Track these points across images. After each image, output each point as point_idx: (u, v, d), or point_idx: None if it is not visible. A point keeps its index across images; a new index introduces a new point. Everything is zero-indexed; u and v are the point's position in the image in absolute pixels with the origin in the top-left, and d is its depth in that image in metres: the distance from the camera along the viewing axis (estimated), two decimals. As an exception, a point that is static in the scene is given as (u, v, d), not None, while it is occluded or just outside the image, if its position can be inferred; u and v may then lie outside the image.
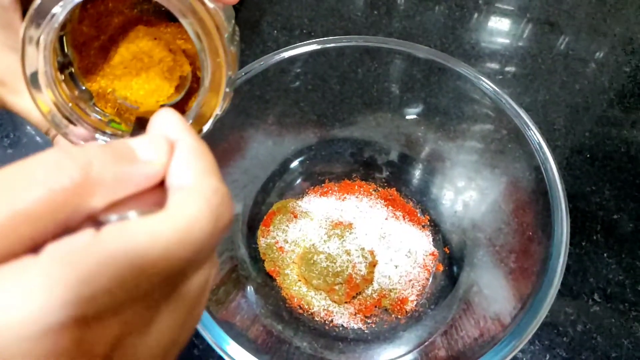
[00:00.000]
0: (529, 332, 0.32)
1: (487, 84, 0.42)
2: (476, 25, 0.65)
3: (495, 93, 0.41)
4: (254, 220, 0.48)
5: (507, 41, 0.63)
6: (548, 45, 0.63)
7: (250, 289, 0.44)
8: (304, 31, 0.64)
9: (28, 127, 0.56)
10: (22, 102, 0.27)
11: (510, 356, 0.32)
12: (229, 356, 0.32)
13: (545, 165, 0.37)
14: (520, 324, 0.32)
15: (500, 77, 0.60)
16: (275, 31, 0.64)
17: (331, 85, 0.50)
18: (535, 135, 0.38)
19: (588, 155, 0.54)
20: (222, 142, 0.44)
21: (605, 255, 0.48)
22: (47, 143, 0.54)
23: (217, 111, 0.27)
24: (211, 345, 0.32)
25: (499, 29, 0.65)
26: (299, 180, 0.51)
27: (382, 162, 0.52)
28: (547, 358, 0.44)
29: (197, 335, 0.34)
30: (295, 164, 0.51)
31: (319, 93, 0.50)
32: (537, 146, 0.38)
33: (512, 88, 0.59)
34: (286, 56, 0.43)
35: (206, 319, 0.33)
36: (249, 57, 0.60)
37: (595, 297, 0.46)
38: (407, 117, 0.50)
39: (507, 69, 0.61)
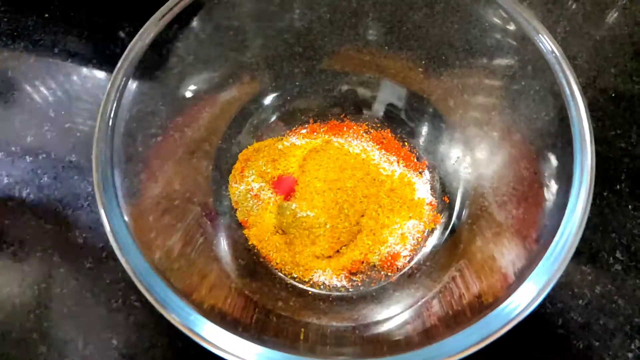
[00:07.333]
0: (538, 295, 0.27)
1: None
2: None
3: (508, 9, 0.34)
4: (223, 163, 0.42)
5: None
6: (571, -28, 0.55)
7: (219, 242, 0.39)
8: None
9: (26, 86, 0.51)
10: None
11: (516, 321, 0.26)
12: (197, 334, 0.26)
13: (565, 88, 0.30)
14: (528, 286, 0.27)
15: (515, 7, 0.53)
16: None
17: (320, 14, 0.44)
18: (554, 49, 0.31)
19: (613, 95, 0.48)
20: (186, 75, 0.38)
21: (629, 207, 0.43)
22: (45, 100, 0.49)
23: None
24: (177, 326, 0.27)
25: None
26: (274, 117, 0.45)
27: (376, 100, 0.46)
28: (560, 323, 0.39)
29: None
30: (272, 98, 0.45)
31: (305, 22, 0.44)
32: (555, 60, 0.31)
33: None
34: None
35: (163, 291, 0.27)
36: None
37: (617, 254, 0.42)
38: (407, 50, 0.43)
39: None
